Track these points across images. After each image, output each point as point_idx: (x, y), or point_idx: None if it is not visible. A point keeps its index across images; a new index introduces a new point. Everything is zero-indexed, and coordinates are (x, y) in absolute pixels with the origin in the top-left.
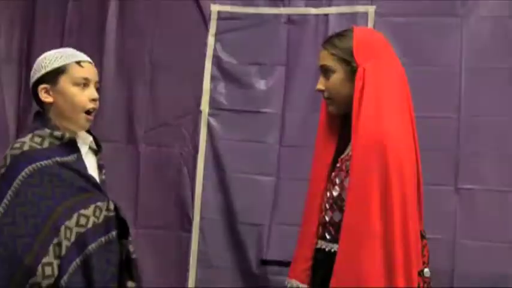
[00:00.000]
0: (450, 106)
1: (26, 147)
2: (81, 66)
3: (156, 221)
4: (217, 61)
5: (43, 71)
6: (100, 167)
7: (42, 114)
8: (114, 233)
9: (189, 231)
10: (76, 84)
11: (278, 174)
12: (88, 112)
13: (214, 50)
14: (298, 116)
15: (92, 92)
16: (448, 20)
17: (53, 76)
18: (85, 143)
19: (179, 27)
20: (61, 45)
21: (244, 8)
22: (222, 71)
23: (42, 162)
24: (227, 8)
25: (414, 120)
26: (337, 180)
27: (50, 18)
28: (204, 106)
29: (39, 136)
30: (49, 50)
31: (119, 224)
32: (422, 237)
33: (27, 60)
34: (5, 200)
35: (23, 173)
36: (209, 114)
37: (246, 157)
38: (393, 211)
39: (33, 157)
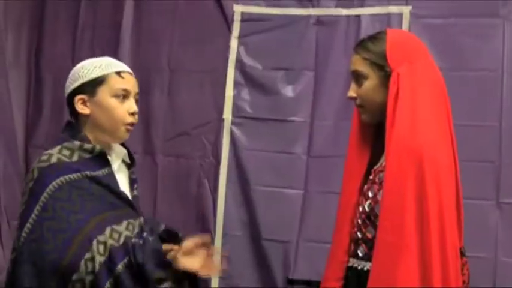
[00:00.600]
0: (491, 114)
1: (53, 160)
2: (121, 77)
3: None
4: (240, 66)
5: (80, 81)
6: (132, 182)
7: (73, 125)
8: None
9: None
10: (115, 96)
11: (306, 187)
12: (127, 124)
13: (238, 53)
14: (328, 124)
15: (131, 104)
16: (489, 21)
17: (90, 87)
18: (118, 156)
19: (200, 30)
20: (73, 49)
21: (270, 9)
22: (246, 76)
23: (70, 176)
24: (251, 9)
25: (453, 129)
26: (370, 194)
27: (60, 19)
28: (227, 114)
29: (68, 149)
30: (60, 53)
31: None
32: (462, 254)
33: (36, 63)
34: (32, 215)
35: (50, 187)
36: (232, 123)
37: (272, 169)
38: (430, 227)
39: (61, 170)
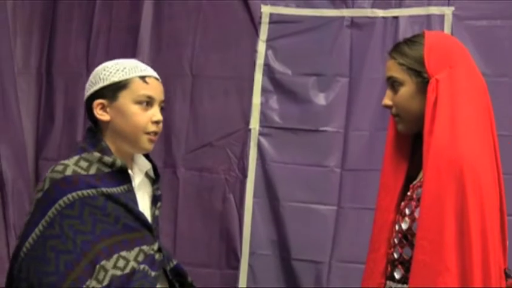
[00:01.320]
0: None
1: (68, 172)
2: (146, 82)
3: (198, 257)
4: (268, 71)
5: (101, 84)
6: (156, 199)
7: (94, 133)
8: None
9: (237, 268)
10: (138, 102)
11: (339, 203)
12: (149, 134)
13: (266, 58)
14: (363, 135)
15: (155, 112)
16: None
17: (112, 91)
18: (141, 170)
19: (224, 32)
20: (87, 53)
21: (301, 10)
22: (275, 82)
23: (85, 191)
24: (280, 10)
25: (496, 140)
26: (407, 211)
27: (73, 22)
28: (254, 124)
29: (86, 160)
30: (73, 58)
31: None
32: (507, 276)
33: (47, 69)
34: (36, 230)
35: (60, 202)
36: (259, 133)
37: (302, 183)
38: (471, 246)
39: (75, 184)
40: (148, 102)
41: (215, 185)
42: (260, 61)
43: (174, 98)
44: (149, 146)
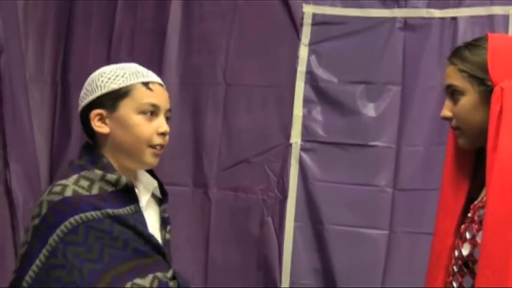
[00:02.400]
0: None
1: (68, 193)
2: (150, 89)
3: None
4: (311, 79)
5: (98, 92)
6: (164, 222)
7: (93, 148)
8: None
9: None
10: (141, 112)
11: (391, 227)
12: (154, 147)
13: (308, 64)
14: (418, 150)
15: (160, 123)
16: None
17: (111, 100)
18: (147, 189)
19: (262, 35)
20: (107, 59)
21: (347, 10)
22: (318, 91)
23: (88, 214)
24: (324, 10)
25: None
26: (468, 235)
27: (92, 23)
28: (295, 138)
29: (87, 179)
30: (92, 63)
31: None
32: None
33: (63, 75)
34: (37, 261)
35: (61, 227)
36: (301, 149)
37: (350, 204)
38: None
39: (77, 206)
40: (153, 111)
41: (251, 207)
42: (302, 68)
43: (206, 109)
44: (154, 161)
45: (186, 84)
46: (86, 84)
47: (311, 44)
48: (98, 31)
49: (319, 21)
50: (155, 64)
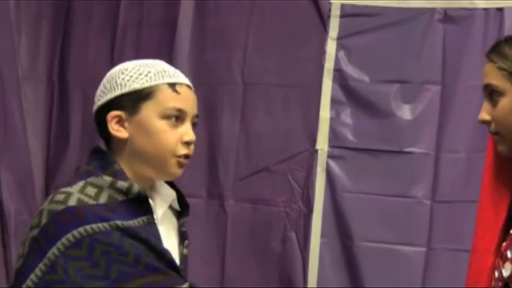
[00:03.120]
0: None
1: (72, 202)
2: (176, 92)
3: None
4: (340, 77)
5: (118, 92)
6: (182, 237)
7: (103, 153)
8: None
9: None
10: (165, 116)
11: (429, 243)
12: (178, 156)
13: (337, 60)
14: (460, 158)
15: (186, 130)
16: None
17: (132, 101)
18: (165, 200)
19: (284, 29)
20: (111, 55)
21: (380, 1)
22: (348, 91)
23: (94, 225)
24: (354, 1)
25: None
26: (509, 254)
27: (94, 16)
28: (322, 144)
29: (95, 186)
30: (93, 60)
31: None
32: None
33: (60, 73)
34: (32, 276)
35: (63, 239)
36: (329, 156)
37: (383, 218)
38: None
39: (82, 216)
40: (179, 117)
41: (273, 221)
42: (329, 65)
43: (221, 111)
44: (178, 172)
45: (199, 84)
46: (104, 80)
47: (339, 38)
48: (100, 24)
49: (348, 13)
50: (164, 60)
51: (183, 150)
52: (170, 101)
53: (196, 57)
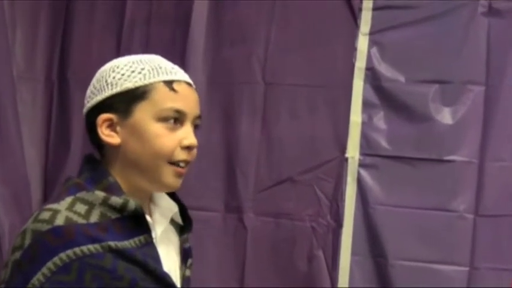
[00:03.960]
0: None
1: (59, 220)
2: (174, 90)
3: None
4: (373, 77)
5: (108, 92)
6: (186, 255)
7: (97, 163)
8: None
9: None
10: (162, 119)
11: (472, 263)
12: (177, 163)
13: (369, 58)
14: (506, 167)
15: (186, 133)
16: None
17: (125, 102)
18: (164, 215)
19: (310, 23)
20: (117, 52)
21: None
22: (381, 93)
23: (84, 247)
24: None
25: None
26: None
27: (97, 9)
28: (352, 151)
29: (85, 202)
30: (96, 59)
31: None
32: None
33: (60, 72)
34: None
35: (49, 264)
36: (360, 165)
37: (420, 234)
38: None
39: (70, 237)
40: (177, 118)
41: (298, 237)
42: (361, 63)
43: (240, 114)
44: (175, 183)
45: (216, 84)
46: (94, 80)
47: (372, 33)
48: (105, 18)
49: (382, 5)
50: (177, 59)
51: (181, 155)
52: (167, 100)
53: (212, 55)
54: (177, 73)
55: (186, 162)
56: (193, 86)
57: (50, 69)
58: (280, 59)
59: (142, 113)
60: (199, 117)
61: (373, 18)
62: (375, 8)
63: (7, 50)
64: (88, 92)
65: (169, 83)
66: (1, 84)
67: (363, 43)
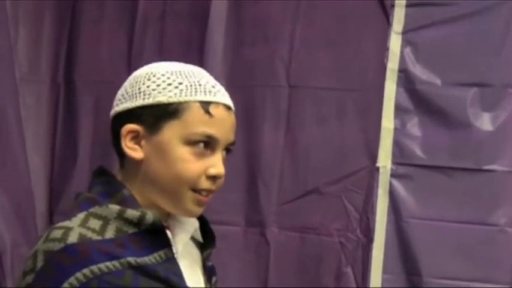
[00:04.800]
0: None
1: (72, 238)
2: (209, 114)
3: None
4: (406, 79)
5: (139, 101)
6: (210, 272)
7: (109, 175)
8: None
9: None
10: (191, 142)
11: None
12: (199, 191)
13: (402, 59)
14: None
15: (215, 162)
16: None
17: (154, 116)
18: (185, 229)
19: (338, 21)
20: (128, 53)
21: None
22: (416, 97)
23: (102, 265)
24: None
25: None
26: None
27: (107, 6)
28: (384, 160)
29: (99, 217)
30: (106, 59)
31: None
32: None
33: (67, 74)
34: None
35: (66, 285)
36: (392, 175)
37: (458, 250)
38: None
39: (86, 255)
40: (208, 144)
41: (324, 253)
42: (393, 64)
43: (262, 120)
44: (196, 211)
45: (235, 87)
46: (127, 83)
47: (405, 32)
48: (115, 15)
49: (416, 2)
50: (194, 60)
51: (204, 184)
52: (200, 124)
53: (232, 55)
54: (216, 94)
55: (210, 191)
56: (232, 109)
57: (56, 71)
58: (306, 59)
59: (171, 132)
60: (233, 143)
61: (407, 15)
62: (409, 5)
63: (9, 50)
64: (119, 94)
65: (206, 105)
66: (3, 87)
67: (395, 43)
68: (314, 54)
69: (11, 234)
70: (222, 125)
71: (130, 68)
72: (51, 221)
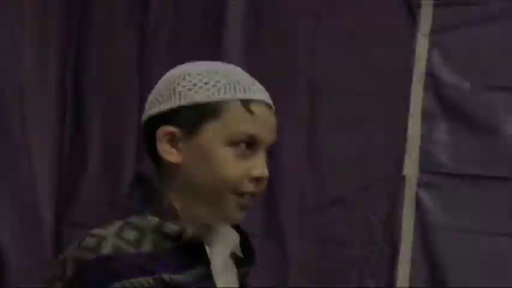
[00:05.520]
0: None
1: (106, 249)
2: (251, 112)
3: None
4: (434, 83)
5: (175, 103)
6: None
7: (149, 182)
8: None
9: None
10: (233, 143)
11: None
12: (242, 195)
13: (429, 62)
14: None
15: (258, 162)
16: None
17: (192, 118)
18: (225, 245)
19: (362, 21)
20: (140, 56)
21: None
22: (444, 102)
23: (134, 280)
24: None
25: None
26: None
27: (116, 7)
28: (410, 169)
29: (136, 228)
30: (117, 62)
31: None
32: None
33: (75, 78)
34: None
35: None
36: (419, 184)
37: (489, 263)
38: None
39: (117, 269)
40: (250, 144)
41: (347, 266)
42: (421, 67)
43: (282, 125)
44: (239, 216)
45: None
46: (161, 84)
47: (433, 33)
48: (126, 17)
49: (444, 1)
50: (208, 60)
51: (248, 187)
52: (241, 123)
53: (249, 55)
54: (256, 92)
55: (253, 194)
56: (273, 108)
57: (63, 74)
58: (328, 61)
59: (210, 134)
60: (274, 144)
61: (434, 16)
62: (436, 5)
63: (14, 54)
64: (151, 97)
65: (246, 103)
66: (6, 91)
67: (423, 45)
68: (336, 56)
69: (14, 248)
70: (264, 124)
71: (142, 70)
72: (58, 233)
